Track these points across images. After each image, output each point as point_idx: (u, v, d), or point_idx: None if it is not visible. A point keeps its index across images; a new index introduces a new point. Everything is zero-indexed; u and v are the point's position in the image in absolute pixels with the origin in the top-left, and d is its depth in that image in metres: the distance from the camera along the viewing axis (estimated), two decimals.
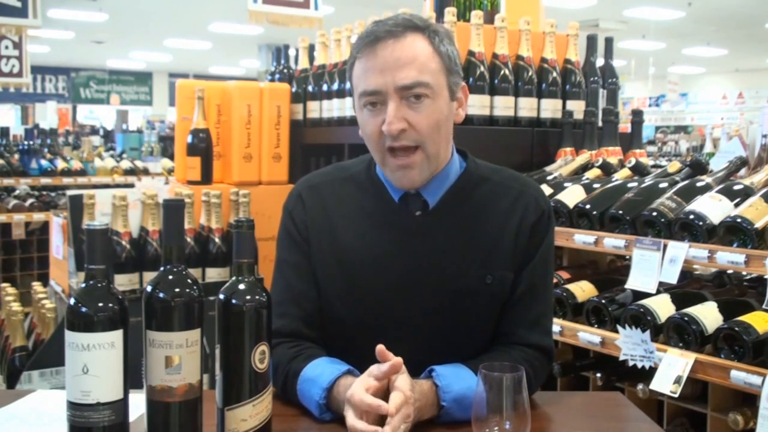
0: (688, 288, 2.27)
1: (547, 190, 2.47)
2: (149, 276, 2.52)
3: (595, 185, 2.43)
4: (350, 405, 1.30)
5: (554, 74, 2.92)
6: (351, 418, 1.29)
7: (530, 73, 2.87)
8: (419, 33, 1.46)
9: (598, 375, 2.25)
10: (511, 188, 1.56)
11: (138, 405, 1.24)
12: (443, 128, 1.48)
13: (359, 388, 1.30)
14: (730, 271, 2.42)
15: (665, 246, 2.06)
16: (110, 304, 1.17)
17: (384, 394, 1.32)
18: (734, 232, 1.95)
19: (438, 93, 1.46)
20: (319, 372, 1.41)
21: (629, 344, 2.04)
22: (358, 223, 1.55)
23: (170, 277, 1.20)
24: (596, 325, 2.23)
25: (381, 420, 1.29)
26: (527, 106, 2.87)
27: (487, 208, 1.54)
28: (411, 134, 1.44)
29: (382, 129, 1.44)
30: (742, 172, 2.29)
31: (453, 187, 1.54)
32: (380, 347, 1.33)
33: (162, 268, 1.21)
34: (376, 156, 1.50)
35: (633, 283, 2.13)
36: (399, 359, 1.32)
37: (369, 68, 1.44)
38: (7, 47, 6.87)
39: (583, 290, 2.32)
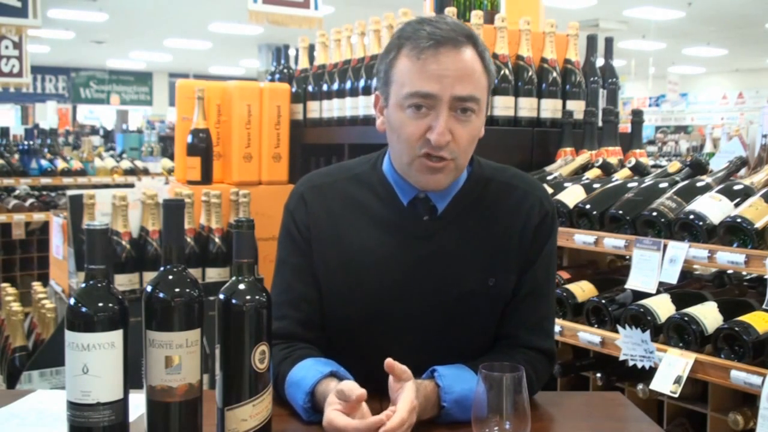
0: (688, 288, 2.27)
1: (547, 190, 2.47)
2: (149, 276, 2.52)
3: (595, 185, 2.43)
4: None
5: (554, 74, 2.92)
6: None
7: (530, 73, 2.87)
8: (474, 47, 1.45)
9: (598, 375, 2.25)
10: (516, 188, 1.56)
11: (138, 405, 1.24)
12: (474, 145, 1.49)
13: (335, 415, 1.27)
14: (730, 271, 2.42)
15: (665, 246, 2.06)
16: (110, 304, 1.17)
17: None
18: (734, 232, 1.95)
19: (481, 110, 1.46)
20: (303, 375, 1.41)
21: (629, 344, 2.04)
22: (364, 225, 1.54)
23: (170, 277, 1.20)
24: (596, 325, 2.23)
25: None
26: (527, 106, 2.87)
27: (492, 211, 1.54)
28: (452, 147, 1.43)
29: (426, 135, 1.41)
30: (742, 172, 2.29)
31: (460, 191, 1.54)
32: (389, 361, 1.30)
33: (162, 268, 1.21)
34: (405, 156, 1.46)
35: (633, 283, 2.13)
36: (363, 392, 1.27)
37: (428, 71, 1.40)
38: (7, 47, 6.87)
39: (583, 290, 2.32)
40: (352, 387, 1.28)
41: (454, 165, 1.46)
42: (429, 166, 1.44)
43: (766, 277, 2.10)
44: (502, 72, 2.82)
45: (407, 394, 1.28)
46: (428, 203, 1.53)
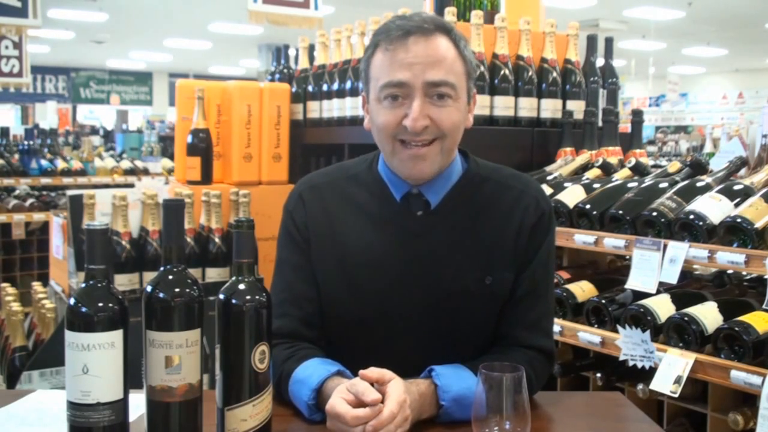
0: (688, 288, 2.27)
1: (547, 190, 2.47)
2: (149, 276, 2.52)
3: (595, 185, 2.43)
4: (331, 416, 1.30)
5: (554, 74, 2.92)
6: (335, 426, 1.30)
7: (530, 73, 2.87)
8: (446, 35, 1.46)
9: (598, 375, 2.25)
10: (512, 188, 1.56)
11: (138, 405, 1.24)
12: (460, 130, 1.49)
13: (339, 401, 1.29)
14: (730, 271, 2.42)
15: (665, 246, 2.06)
16: (110, 304, 1.17)
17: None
18: (734, 232, 1.95)
19: (459, 95, 1.47)
20: (309, 373, 1.41)
21: (629, 344, 2.04)
22: (359, 223, 1.55)
23: (170, 277, 1.20)
24: (596, 325, 2.23)
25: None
26: (527, 106, 2.87)
27: (488, 209, 1.54)
28: (432, 129, 1.44)
29: (403, 123, 1.43)
30: (742, 172, 2.29)
31: (455, 187, 1.54)
32: (361, 373, 1.32)
33: (162, 268, 1.21)
34: (385, 147, 1.49)
35: (633, 283, 2.13)
36: (379, 397, 1.29)
37: (398, 60, 1.43)
38: (7, 47, 6.87)
39: (583, 290, 2.32)
40: (369, 388, 1.29)
41: (439, 147, 1.46)
42: (412, 155, 1.45)
43: (766, 277, 2.10)
44: (502, 72, 2.83)
45: (394, 390, 1.30)
46: (421, 198, 1.53)
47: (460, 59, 1.47)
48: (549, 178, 2.64)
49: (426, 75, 1.42)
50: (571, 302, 2.30)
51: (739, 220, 1.92)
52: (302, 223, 1.57)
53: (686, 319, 1.96)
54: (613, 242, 2.21)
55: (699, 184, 2.17)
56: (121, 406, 1.18)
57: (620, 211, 2.21)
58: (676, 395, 1.91)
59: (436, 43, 1.44)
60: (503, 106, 2.83)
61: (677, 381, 1.91)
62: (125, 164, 6.82)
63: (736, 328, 1.86)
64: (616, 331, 2.09)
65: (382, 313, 1.52)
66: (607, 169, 2.61)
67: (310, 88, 3.45)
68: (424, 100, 1.43)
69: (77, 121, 16.66)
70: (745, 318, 1.90)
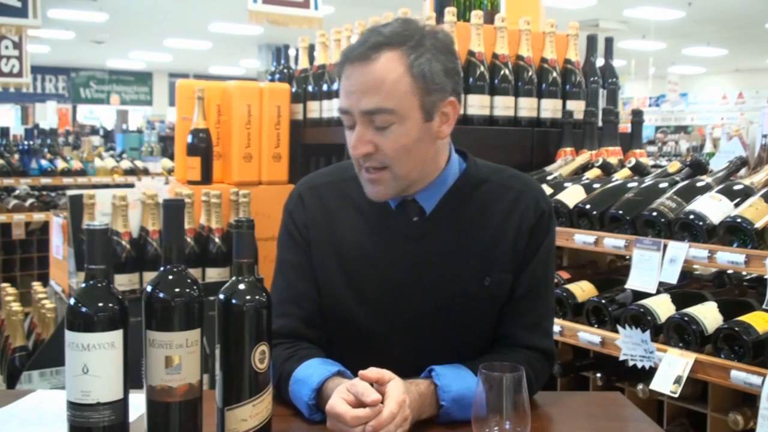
0: (688, 288, 2.27)
1: (547, 190, 2.47)
2: (149, 276, 2.52)
3: (595, 185, 2.43)
4: (331, 417, 1.31)
5: (554, 74, 2.92)
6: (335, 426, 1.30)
7: (530, 73, 2.87)
8: (395, 51, 1.39)
9: (598, 375, 2.25)
10: (512, 189, 1.56)
11: (138, 405, 1.24)
12: (414, 151, 1.43)
13: (339, 401, 1.30)
14: (730, 271, 2.42)
15: (665, 246, 2.06)
16: (110, 304, 1.17)
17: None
18: (734, 232, 1.95)
19: (405, 117, 1.41)
20: (310, 373, 1.41)
21: (629, 344, 2.04)
22: (358, 225, 1.55)
23: (170, 277, 1.20)
24: (596, 325, 2.23)
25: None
26: (527, 106, 2.87)
27: (485, 211, 1.54)
28: (378, 157, 1.43)
29: None
30: (742, 172, 2.29)
31: (450, 191, 1.53)
32: (361, 374, 1.32)
33: (162, 268, 1.21)
34: (356, 168, 1.50)
35: (633, 283, 2.13)
36: (379, 397, 1.29)
37: (344, 88, 1.44)
38: (7, 47, 6.87)
39: (583, 290, 2.32)
40: (368, 389, 1.29)
41: (390, 175, 1.44)
42: (367, 179, 1.47)
43: (766, 277, 2.10)
44: (502, 72, 2.83)
45: (394, 390, 1.30)
46: (416, 205, 1.53)
47: (408, 77, 1.38)
48: (549, 178, 2.64)
49: (360, 104, 1.40)
50: (571, 302, 2.30)
51: (739, 220, 1.92)
52: (302, 223, 1.57)
53: (686, 319, 1.96)
54: (613, 242, 2.21)
55: (699, 184, 2.17)
56: (121, 406, 1.18)
57: (620, 211, 2.21)
58: (676, 395, 1.91)
59: (372, 68, 1.39)
60: (503, 106, 2.83)
61: (677, 381, 1.91)
62: (125, 164, 6.81)
63: (736, 328, 1.86)
64: (616, 331, 2.09)
65: (381, 313, 1.52)
66: (607, 169, 2.61)
67: (310, 88, 3.44)
68: (366, 127, 1.42)
69: (77, 121, 16.65)
70: (745, 318, 1.90)
